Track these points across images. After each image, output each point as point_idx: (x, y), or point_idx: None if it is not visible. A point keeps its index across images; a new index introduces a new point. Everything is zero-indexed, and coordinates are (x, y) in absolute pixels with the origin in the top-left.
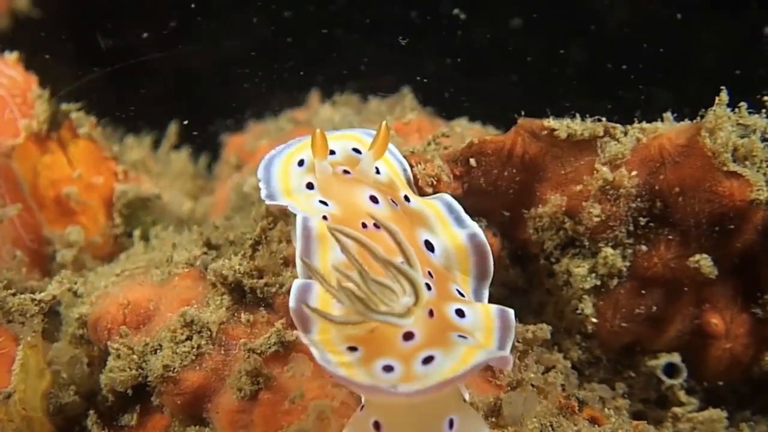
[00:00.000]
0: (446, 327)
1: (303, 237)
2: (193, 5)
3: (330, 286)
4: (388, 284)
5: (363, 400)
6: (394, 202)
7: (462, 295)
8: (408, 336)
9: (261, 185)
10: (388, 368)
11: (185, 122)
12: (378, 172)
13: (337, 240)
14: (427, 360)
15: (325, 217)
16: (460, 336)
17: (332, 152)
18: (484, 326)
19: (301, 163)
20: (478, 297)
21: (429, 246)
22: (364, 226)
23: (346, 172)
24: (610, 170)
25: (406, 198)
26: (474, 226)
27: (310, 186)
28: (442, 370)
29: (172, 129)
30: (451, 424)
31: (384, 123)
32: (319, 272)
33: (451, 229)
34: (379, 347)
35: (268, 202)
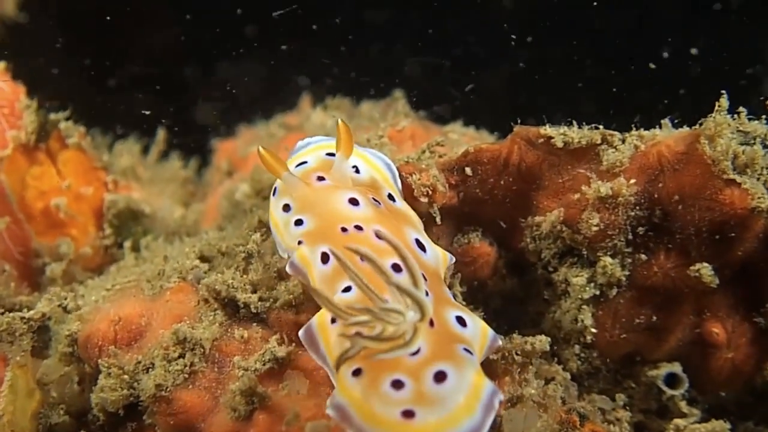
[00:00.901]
0: (450, 337)
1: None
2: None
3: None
4: (394, 307)
5: None
6: (376, 201)
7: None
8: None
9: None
10: (397, 384)
11: (175, 128)
12: (357, 171)
13: (342, 265)
14: (439, 376)
15: (300, 242)
16: (466, 350)
17: (304, 162)
18: (480, 344)
19: (274, 191)
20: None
21: (420, 246)
22: (344, 230)
23: (320, 178)
24: (604, 182)
25: (390, 197)
26: None
27: (286, 208)
28: (456, 397)
29: (161, 135)
30: None
31: (340, 121)
32: (334, 304)
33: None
34: (380, 363)
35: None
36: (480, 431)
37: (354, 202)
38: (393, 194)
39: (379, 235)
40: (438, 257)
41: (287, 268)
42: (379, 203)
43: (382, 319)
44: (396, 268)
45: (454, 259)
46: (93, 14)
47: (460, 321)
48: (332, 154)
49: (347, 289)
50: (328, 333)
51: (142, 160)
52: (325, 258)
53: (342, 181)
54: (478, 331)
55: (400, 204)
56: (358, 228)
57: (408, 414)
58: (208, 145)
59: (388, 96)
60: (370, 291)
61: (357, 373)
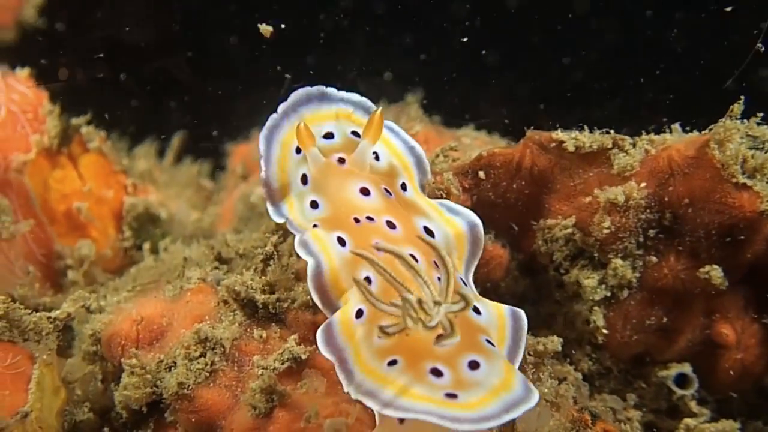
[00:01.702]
0: (471, 328)
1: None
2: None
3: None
4: (433, 299)
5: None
6: (387, 191)
7: (464, 282)
8: (441, 339)
9: (261, 163)
10: (436, 372)
11: (190, 131)
12: (377, 158)
13: (369, 261)
14: (472, 365)
15: (315, 225)
16: (488, 341)
17: (330, 135)
18: (497, 324)
19: (298, 150)
20: (466, 278)
21: (429, 233)
22: (357, 221)
23: (341, 160)
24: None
25: (404, 186)
26: (471, 214)
27: (304, 179)
28: (492, 381)
29: (177, 138)
30: None
31: (378, 110)
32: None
33: (446, 216)
34: (416, 353)
35: (269, 207)
36: (518, 402)
37: (365, 192)
38: (407, 183)
39: (378, 247)
40: (449, 238)
41: (297, 244)
42: (390, 194)
43: (423, 311)
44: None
45: (481, 226)
46: (109, 19)
47: (475, 310)
48: (357, 134)
49: (367, 280)
50: (352, 329)
51: (158, 163)
52: (342, 241)
53: (360, 167)
54: (492, 316)
55: (411, 193)
56: (370, 219)
57: (451, 396)
58: (223, 149)
59: (401, 101)
60: (404, 289)
61: (392, 363)
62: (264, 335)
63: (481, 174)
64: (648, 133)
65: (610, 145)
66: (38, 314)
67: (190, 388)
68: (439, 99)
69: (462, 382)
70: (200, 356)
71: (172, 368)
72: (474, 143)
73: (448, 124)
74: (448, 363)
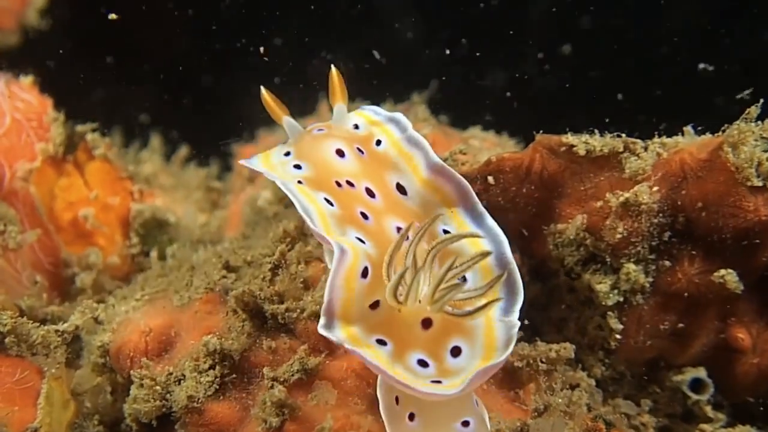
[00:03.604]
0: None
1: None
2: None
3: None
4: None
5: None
6: (360, 150)
7: (447, 232)
8: (426, 323)
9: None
10: (422, 363)
11: (196, 134)
12: (357, 128)
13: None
14: (455, 351)
15: (300, 182)
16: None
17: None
18: (484, 279)
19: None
20: (477, 222)
21: (401, 190)
22: (339, 185)
23: (320, 130)
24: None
25: (378, 142)
26: (429, 155)
27: (287, 155)
28: (474, 363)
29: (184, 147)
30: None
31: (333, 69)
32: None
33: (414, 164)
34: (404, 338)
35: (243, 162)
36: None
37: (340, 153)
38: (382, 139)
39: (350, 183)
40: (425, 198)
41: (280, 185)
42: (363, 152)
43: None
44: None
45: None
46: (112, 20)
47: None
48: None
49: (360, 240)
50: (354, 278)
51: (164, 166)
52: (329, 202)
53: (339, 131)
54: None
55: (385, 145)
56: (350, 184)
57: (436, 382)
58: (229, 151)
59: (407, 100)
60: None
61: (382, 343)
62: (273, 346)
63: (491, 179)
64: (659, 136)
65: (621, 149)
66: (46, 328)
67: (199, 401)
68: (445, 98)
69: (446, 371)
70: (209, 368)
71: (182, 381)
72: (483, 145)
73: (454, 124)
74: (432, 353)
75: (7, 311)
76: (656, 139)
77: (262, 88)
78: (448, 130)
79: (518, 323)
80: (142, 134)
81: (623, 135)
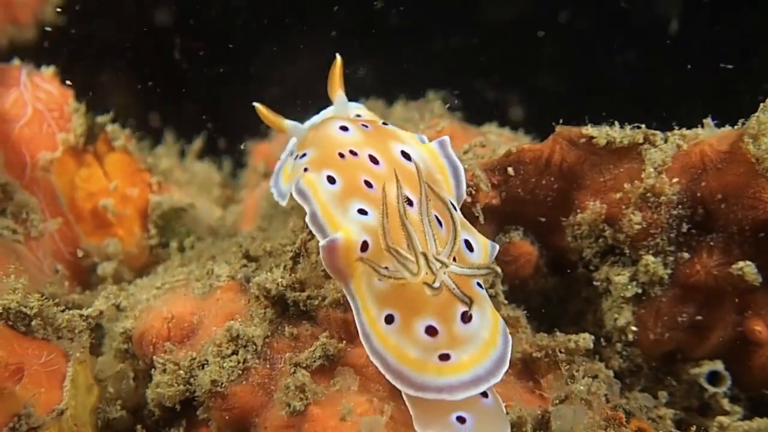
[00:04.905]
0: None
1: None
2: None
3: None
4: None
5: None
6: (365, 125)
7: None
8: (435, 288)
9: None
10: (430, 330)
11: (210, 130)
12: (359, 117)
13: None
14: (464, 317)
15: (306, 169)
16: (478, 284)
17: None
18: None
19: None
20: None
21: (405, 156)
22: (342, 156)
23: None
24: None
25: (384, 123)
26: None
27: (301, 157)
28: (482, 334)
29: (199, 139)
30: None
31: (338, 57)
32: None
33: (418, 141)
34: (413, 306)
35: (273, 192)
36: (504, 359)
37: (344, 128)
38: (387, 122)
39: (354, 152)
40: (425, 160)
41: (294, 193)
42: (368, 127)
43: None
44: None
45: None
46: (132, 16)
47: (468, 245)
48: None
49: (362, 212)
50: (353, 255)
51: (179, 162)
52: (331, 180)
53: (342, 116)
54: (482, 251)
55: (392, 126)
56: (353, 153)
57: (444, 357)
58: (242, 147)
59: (421, 98)
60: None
61: (390, 320)
62: (295, 332)
63: (510, 170)
64: (680, 128)
65: (641, 141)
66: (71, 312)
67: (223, 385)
68: (460, 96)
69: (455, 338)
70: (232, 354)
71: (205, 366)
72: (499, 140)
73: (470, 120)
74: (442, 317)
75: (34, 294)
76: (676, 131)
77: (255, 104)
78: (465, 125)
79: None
80: (154, 132)
81: (642, 126)
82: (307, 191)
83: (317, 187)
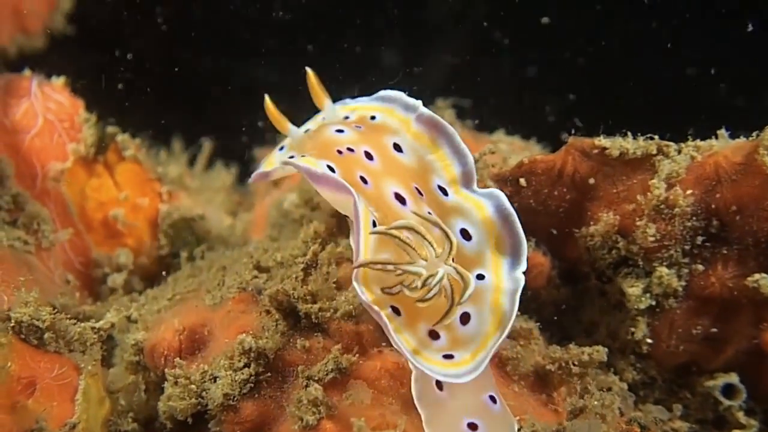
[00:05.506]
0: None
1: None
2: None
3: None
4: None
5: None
6: (358, 126)
7: (443, 189)
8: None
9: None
10: (433, 334)
11: (218, 137)
12: (347, 119)
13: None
14: (464, 319)
15: (303, 156)
16: (479, 276)
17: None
18: (487, 232)
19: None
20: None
21: (398, 148)
22: (339, 152)
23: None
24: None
25: (373, 117)
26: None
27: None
28: (484, 329)
29: (207, 144)
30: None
31: (308, 71)
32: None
33: (402, 118)
34: (415, 311)
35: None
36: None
37: (340, 131)
38: (375, 114)
39: (351, 149)
40: (415, 148)
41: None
42: (360, 126)
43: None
44: (398, 197)
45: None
46: (138, 25)
47: (465, 235)
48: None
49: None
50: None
51: (188, 170)
52: (331, 169)
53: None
54: (481, 230)
55: (381, 117)
56: (350, 150)
57: (448, 357)
58: (250, 155)
59: (430, 105)
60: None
61: (397, 312)
62: (307, 345)
63: (522, 181)
64: (693, 139)
65: (654, 152)
66: (83, 324)
67: (235, 399)
68: (471, 104)
69: (457, 340)
70: (244, 367)
71: (217, 379)
72: (510, 148)
73: (480, 128)
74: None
75: (46, 307)
76: (690, 142)
77: (266, 97)
78: (476, 134)
79: (523, 278)
80: (164, 140)
81: (656, 137)
82: (303, 163)
83: (317, 164)
